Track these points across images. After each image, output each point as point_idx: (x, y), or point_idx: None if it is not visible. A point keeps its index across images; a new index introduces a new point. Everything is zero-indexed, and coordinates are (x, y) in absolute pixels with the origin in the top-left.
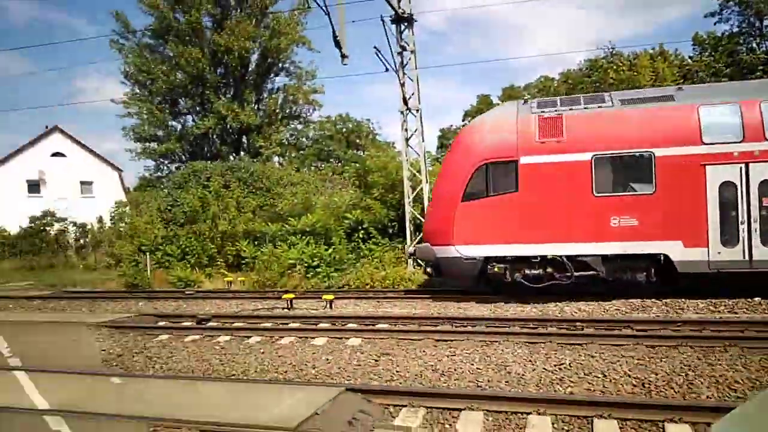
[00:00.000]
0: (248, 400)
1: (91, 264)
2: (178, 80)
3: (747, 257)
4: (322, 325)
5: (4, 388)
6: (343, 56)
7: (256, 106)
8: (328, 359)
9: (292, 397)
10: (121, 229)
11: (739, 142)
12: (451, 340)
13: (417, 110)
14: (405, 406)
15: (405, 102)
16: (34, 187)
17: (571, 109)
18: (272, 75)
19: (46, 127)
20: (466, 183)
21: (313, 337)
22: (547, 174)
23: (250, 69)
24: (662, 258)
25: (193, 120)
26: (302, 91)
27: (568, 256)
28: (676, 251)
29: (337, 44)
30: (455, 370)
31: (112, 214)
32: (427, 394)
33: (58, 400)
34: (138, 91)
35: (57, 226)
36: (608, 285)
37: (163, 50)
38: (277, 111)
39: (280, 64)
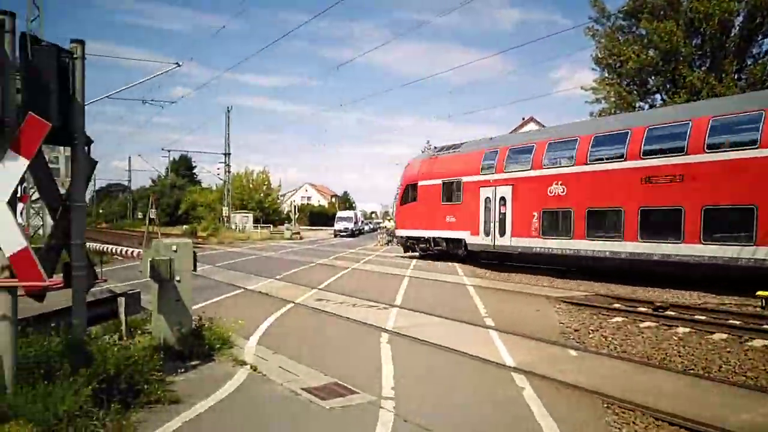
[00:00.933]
0: (710, 398)
1: None
2: (649, 58)
3: (492, 242)
4: None
5: (480, 341)
6: None
7: (736, 75)
8: None
9: (766, 406)
10: None
11: (493, 173)
12: None
13: None
14: None
15: None
16: None
17: (443, 153)
18: (760, 37)
19: (523, 118)
20: (402, 195)
21: None
22: (427, 191)
23: (732, 34)
24: (463, 241)
25: (662, 98)
26: None
27: (433, 238)
28: (468, 237)
29: None
30: None
31: None
32: None
33: (522, 360)
34: (607, 75)
35: None
36: (448, 255)
37: (635, 30)
38: (764, 78)
39: None
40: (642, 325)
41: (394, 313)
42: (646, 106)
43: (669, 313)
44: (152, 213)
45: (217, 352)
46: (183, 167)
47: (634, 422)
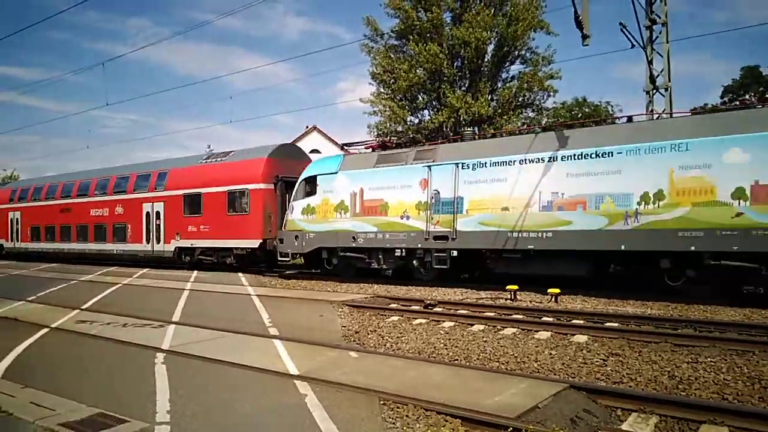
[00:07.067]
0: (471, 385)
1: None
2: (417, 77)
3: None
4: (546, 319)
5: (264, 352)
6: (585, 37)
7: (490, 96)
8: (551, 354)
9: (513, 388)
10: None
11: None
12: (693, 346)
13: (666, 89)
14: (635, 411)
15: (652, 81)
16: None
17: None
18: (507, 64)
19: (306, 126)
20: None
21: (537, 330)
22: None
23: (485, 60)
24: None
25: (429, 114)
26: (537, 78)
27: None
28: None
29: (579, 25)
30: (696, 378)
31: None
32: (662, 400)
33: (305, 366)
34: (382, 90)
35: None
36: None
37: (405, 50)
38: (511, 100)
39: (516, 52)
40: (415, 322)
41: (171, 330)
42: (416, 121)
43: (437, 309)
44: None
45: None
46: None
47: (407, 415)
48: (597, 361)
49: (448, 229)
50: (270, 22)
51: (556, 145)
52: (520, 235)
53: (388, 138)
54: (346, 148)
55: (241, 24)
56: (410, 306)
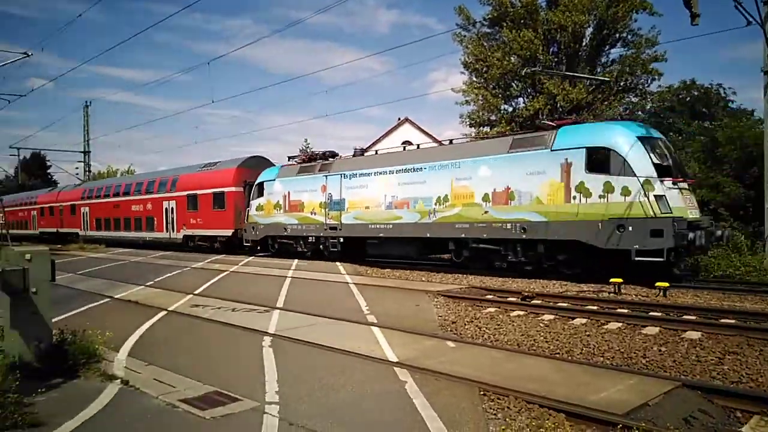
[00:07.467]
0: (574, 379)
1: None
2: (511, 65)
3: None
4: (653, 314)
5: (364, 338)
6: (694, 16)
7: (588, 82)
8: (660, 350)
9: (620, 384)
10: None
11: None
12: None
13: None
14: (757, 413)
15: None
16: None
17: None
18: (607, 47)
19: (399, 118)
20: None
21: (644, 326)
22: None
23: (583, 44)
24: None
25: (524, 102)
26: (640, 61)
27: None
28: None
29: (687, 3)
30: None
31: None
32: None
33: (403, 354)
34: (475, 79)
35: None
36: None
37: (498, 37)
38: (612, 85)
39: (617, 35)
40: (512, 314)
41: (276, 315)
42: (510, 109)
43: (536, 301)
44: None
45: (83, 367)
46: (36, 167)
47: (508, 407)
48: (712, 359)
49: (337, 222)
50: (361, 18)
51: (393, 161)
52: (375, 227)
53: (478, 129)
54: (290, 159)
55: (334, 20)
56: (507, 298)
